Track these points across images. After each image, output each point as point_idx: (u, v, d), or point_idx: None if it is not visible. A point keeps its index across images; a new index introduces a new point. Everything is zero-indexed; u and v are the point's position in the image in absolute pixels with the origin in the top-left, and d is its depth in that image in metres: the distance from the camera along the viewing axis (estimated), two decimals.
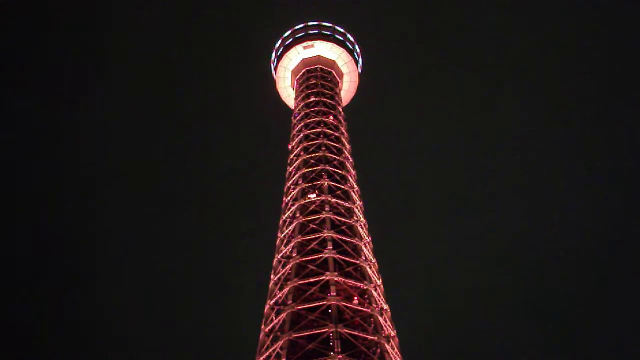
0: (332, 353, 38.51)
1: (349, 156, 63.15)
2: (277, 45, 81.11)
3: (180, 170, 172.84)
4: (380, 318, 43.76)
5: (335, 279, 44.60)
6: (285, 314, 43.01)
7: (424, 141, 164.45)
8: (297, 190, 56.31)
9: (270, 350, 41.56)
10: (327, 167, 58.17)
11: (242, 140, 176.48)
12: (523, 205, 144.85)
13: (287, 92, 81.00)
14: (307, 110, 69.20)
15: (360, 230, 52.23)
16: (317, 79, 75.64)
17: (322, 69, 77.56)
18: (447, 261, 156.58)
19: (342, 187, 56.29)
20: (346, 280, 45.21)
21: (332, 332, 39.95)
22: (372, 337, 41.43)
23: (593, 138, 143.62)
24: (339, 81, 79.32)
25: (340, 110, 72.77)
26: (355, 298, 45.08)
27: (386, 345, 41.43)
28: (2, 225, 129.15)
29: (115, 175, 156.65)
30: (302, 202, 54.19)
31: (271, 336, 43.55)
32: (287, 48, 79.67)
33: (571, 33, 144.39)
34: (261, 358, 41.96)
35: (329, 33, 79.49)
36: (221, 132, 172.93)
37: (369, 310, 43.62)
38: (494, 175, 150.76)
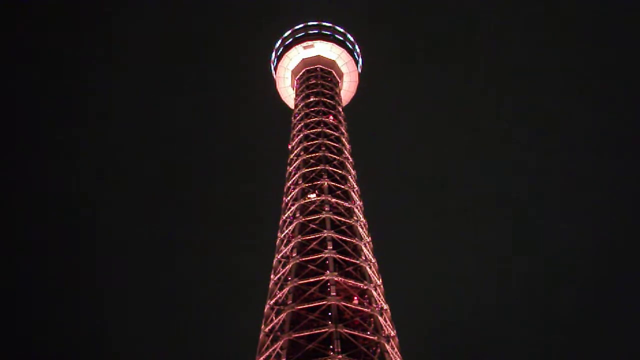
0: (332, 353, 38.48)
1: (349, 156, 63.08)
2: (277, 45, 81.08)
3: (179, 169, 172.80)
4: (380, 318, 43.70)
5: (335, 279, 44.55)
6: (285, 314, 42.95)
7: (424, 141, 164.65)
8: (297, 190, 56.25)
9: (270, 350, 41.51)
10: (327, 167, 58.11)
11: (242, 140, 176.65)
12: (524, 205, 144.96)
13: (287, 92, 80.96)
14: (307, 110, 69.15)
15: (360, 230, 52.17)
16: (317, 79, 75.58)
17: (322, 69, 77.51)
18: (447, 261, 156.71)
19: (342, 187, 56.23)
20: (346, 280, 45.16)
21: (332, 332, 39.90)
22: (372, 337, 41.39)
23: (595, 138, 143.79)
24: (339, 81, 79.27)
25: (340, 110, 72.71)
26: (355, 298, 44.99)
27: (386, 345, 41.38)
28: (2, 226, 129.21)
29: (115, 176, 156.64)
30: (302, 202, 54.13)
31: (271, 336, 43.49)
32: (287, 48, 79.62)
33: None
34: (261, 358, 41.91)
35: (329, 33, 79.45)
36: (221, 131, 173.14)
37: (369, 310, 43.56)
38: (496, 176, 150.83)
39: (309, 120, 67.06)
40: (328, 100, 71.39)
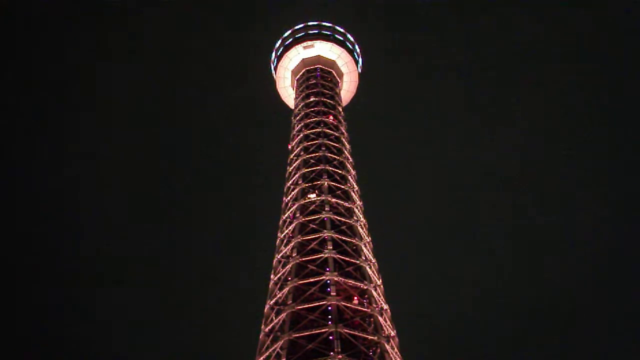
0: (332, 353, 38.46)
1: (349, 156, 63.04)
2: (277, 45, 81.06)
3: (180, 169, 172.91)
4: (380, 318, 43.68)
5: (335, 279, 44.53)
6: (285, 314, 42.94)
7: (423, 141, 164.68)
8: (297, 190, 56.22)
9: (270, 350, 41.50)
10: (327, 167, 58.07)
11: (242, 140, 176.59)
12: (524, 205, 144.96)
13: (287, 92, 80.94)
14: (307, 110, 69.11)
15: (360, 230, 52.14)
16: (317, 79, 75.53)
17: (322, 69, 77.46)
18: (447, 261, 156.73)
19: (342, 187, 56.20)
20: (346, 280, 45.12)
21: (332, 332, 39.88)
22: (372, 337, 41.37)
23: (593, 137, 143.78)
24: (339, 81, 79.24)
25: (340, 110, 72.67)
26: (355, 298, 44.97)
27: (386, 345, 41.36)
28: (2, 226, 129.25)
29: (115, 173, 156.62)
30: (302, 202, 54.10)
31: (271, 336, 43.49)
32: (287, 48, 79.59)
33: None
34: (261, 358, 41.90)
35: (329, 33, 79.41)
36: (221, 132, 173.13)
37: (369, 310, 43.55)
38: (495, 175, 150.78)
39: (309, 120, 67.02)
40: (328, 100, 71.36)
